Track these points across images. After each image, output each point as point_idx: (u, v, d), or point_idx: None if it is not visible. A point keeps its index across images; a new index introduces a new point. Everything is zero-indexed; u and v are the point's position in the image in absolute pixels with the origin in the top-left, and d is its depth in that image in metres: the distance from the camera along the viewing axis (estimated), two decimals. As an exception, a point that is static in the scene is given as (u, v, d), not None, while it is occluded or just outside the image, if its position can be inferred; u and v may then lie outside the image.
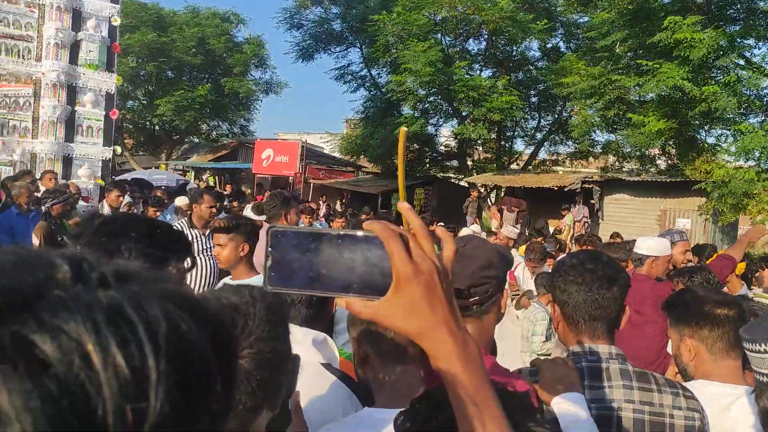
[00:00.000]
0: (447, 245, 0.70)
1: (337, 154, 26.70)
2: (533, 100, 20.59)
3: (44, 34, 8.24)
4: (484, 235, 10.17)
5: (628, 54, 15.58)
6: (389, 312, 0.64)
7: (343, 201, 21.07)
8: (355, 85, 22.99)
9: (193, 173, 25.41)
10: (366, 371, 1.28)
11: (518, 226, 13.57)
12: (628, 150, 18.28)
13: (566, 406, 1.34)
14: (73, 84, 8.38)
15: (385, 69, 21.49)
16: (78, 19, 8.43)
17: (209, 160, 26.06)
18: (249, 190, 23.15)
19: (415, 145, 22.29)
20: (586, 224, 14.67)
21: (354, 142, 23.46)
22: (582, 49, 17.76)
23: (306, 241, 0.66)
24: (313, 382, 1.54)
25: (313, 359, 1.60)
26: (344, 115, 38.58)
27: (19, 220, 6.05)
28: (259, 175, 22.99)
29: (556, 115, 20.84)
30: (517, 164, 21.98)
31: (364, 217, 8.40)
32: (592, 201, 15.41)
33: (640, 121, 14.11)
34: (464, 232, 9.42)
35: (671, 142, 16.02)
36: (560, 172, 21.87)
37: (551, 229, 13.39)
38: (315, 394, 1.53)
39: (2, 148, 8.10)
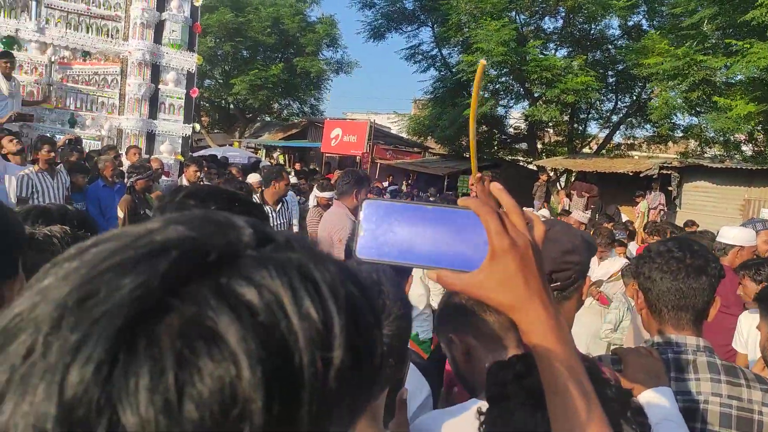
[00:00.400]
0: (537, 225, 0.72)
1: (404, 135, 26.68)
2: (610, 80, 19.72)
3: (131, 14, 8.63)
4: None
5: (717, 33, 14.64)
6: (483, 284, 0.66)
7: (409, 182, 21.07)
8: (425, 65, 22.79)
9: (264, 151, 26.10)
10: (470, 365, 1.27)
11: (588, 212, 13.18)
12: (711, 135, 17.29)
13: (656, 400, 1.30)
14: (157, 63, 8.76)
15: (456, 48, 21.15)
16: (162, -1, 8.79)
17: (280, 139, 26.65)
18: (317, 169, 23.57)
19: (483, 126, 21.92)
20: (662, 212, 14.04)
21: (422, 122, 23.34)
22: (666, 27, 16.83)
23: (399, 213, 0.67)
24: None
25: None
26: (413, 96, 38.47)
27: (105, 191, 6.43)
28: (327, 154, 23.33)
29: (635, 97, 19.91)
30: (590, 148, 21.21)
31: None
32: (670, 188, 14.71)
33: (726, 104, 13.29)
34: (541, 214, 9.29)
35: (759, 128, 15.01)
36: (636, 157, 20.97)
37: (624, 217, 12.89)
38: None
39: (91, 124, 8.60)
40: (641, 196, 13.87)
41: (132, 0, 8.63)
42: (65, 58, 8.47)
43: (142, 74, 8.59)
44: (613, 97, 20.41)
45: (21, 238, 1.01)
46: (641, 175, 14.65)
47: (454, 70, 20.30)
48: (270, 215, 5.43)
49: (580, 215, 8.24)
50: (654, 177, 14.45)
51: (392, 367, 0.99)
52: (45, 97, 8.30)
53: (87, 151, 7.89)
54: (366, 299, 0.38)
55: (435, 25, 21.72)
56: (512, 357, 0.92)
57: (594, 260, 6.19)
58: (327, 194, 6.19)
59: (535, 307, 0.67)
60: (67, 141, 7.37)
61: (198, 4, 9.01)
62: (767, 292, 1.94)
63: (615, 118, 20.66)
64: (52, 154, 5.95)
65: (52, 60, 8.32)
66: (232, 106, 28.92)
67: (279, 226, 5.52)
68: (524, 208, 0.73)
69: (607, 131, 20.99)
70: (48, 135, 7.50)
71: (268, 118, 30.65)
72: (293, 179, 9.29)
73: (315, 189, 6.87)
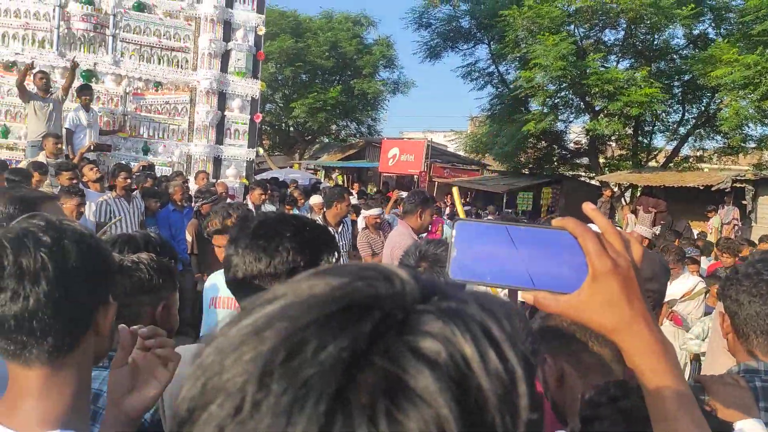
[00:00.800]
0: (634, 246, 0.70)
1: (461, 153, 26.60)
2: (676, 91, 19.01)
3: (199, 45, 9.07)
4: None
5: (792, 38, 13.91)
6: (585, 306, 0.65)
7: (467, 200, 20.91)
8: (482, 82, 22.71)
9: (323, 172, 26.60)
10: (562, 391, 1.22)
11: (657, 228, 12.67)
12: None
13: None
14: (223, 90, 9.14)
15: (513, 65, 21.00)
16: (228, 30, 9.18)
17: (338, 160, 27.10)
18: (375, 189, 23.77)
19: (543, 142, 21.59)
20: (736, 227, 13.33)
21: (479, 140, 23.21)
22: (735, 35, 16.13)
23: (492, 234, 0.68)
24: None
25: None
26: (469, 113, 38.33)
27: (175, 215, 6.72)
28: (385, 174, 23.53)
29: (703, 108, 19.10)
30: (656, 162, 20.43)
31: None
32: (744, 202, 13.97)
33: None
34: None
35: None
36: (706, 170, 20.04)
37: (695, 232, 12.32)
38: None
39: (163, 151, 9.04)
40: (713, 210, 13.25)
41: (200, 32, 9.06)
42: (139, 88, 8.97)
43: (210, 102, 8.98)
44: (680, 108, 19.63)
45: (112, 265, 1.08)
46: (713, 188, 13.99)
47: (511, 86, 20.14)
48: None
49: (643, 230, 7.91)
50: (726, 190, 13.77)
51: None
52: (120, 126, 8.80)
53: (159, 176, 8.28)
54: (528, 348, 0.39)
55: (491, 42, 21.66)
56: (608, 382, 0.90)
57: (665, 279, 5.93)
58: (374, 212, 6.23)
59: (639, 329, 0.65)
60: (141, 168, 7.75)
61: (261, 33, 9.37)
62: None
63: (682, 130, 19.85)
64: (129, 180, 6.29)
65: (127, 91, 8.83)
66: (291, 128, 29.68)
67: (341, 247, 5.59)
68: (618, 229, 0.73)
69: (674, 143, 20.20)
70: (124, 162, 7.95)
71: (326, 140, 31.25)
72: (353, 200, 9.39)
73: (362, 210, 6.88)
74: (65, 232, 0.91)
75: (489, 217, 8.54)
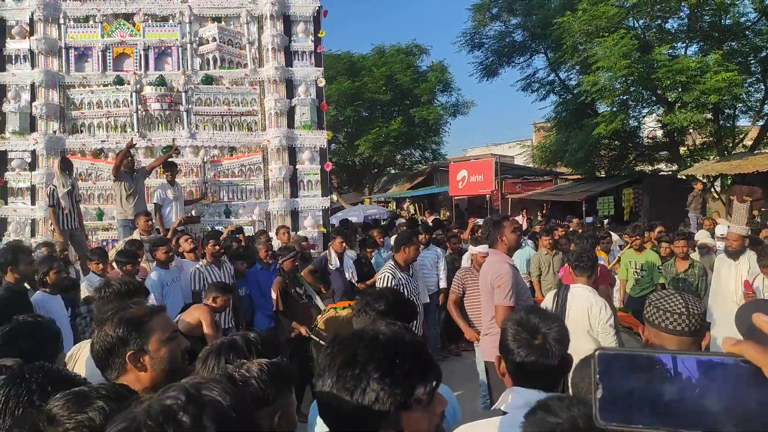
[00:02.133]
0: None
1: (531, 165, 26.07)
2: (755, 69, 17.84)
3: (265, 106, 9.43)
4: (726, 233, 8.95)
5: None
6: None
7: (543, 212, 20.36)
8: (543, 92, 22.32)
9: (394, 203, 26.78)
10: None
11: (758, 218, 11.80)
12: None
13: None
14: (293, 145, 9.42)
15: (574, 70, 20.49)
16: (290, 87, 9.49)
17: (407, 189, 27.23)
18: (448, 213, 23.65)
19: (615, 142, 20.80)
20: None
21: (548, 149, 22.69)
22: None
23: (647, 366, 0.57)
24: None
25: None
26: (532, 120, 37.65)
27: (263, 274, 6.89)
28: (456, 197, 23.39)
29: (787, 81, 17.82)
30: (744, 146, 19.16)
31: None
32: None
33: None
34: (700, 236, 8.43)
35: None
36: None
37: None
38: None
39: (243, 211, 9.39)
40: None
41: (264, 94, 9.43)
42: (215, 156, 9.41)
43: (281, 158, 9.27)
44: (762, 87, 18.41)
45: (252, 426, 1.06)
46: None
47: (575, 92, 19.62)
48: (405, 285, 5.49)
49: (739, 228, 7.08)
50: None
51: None
52: (202, 194, 9.23)
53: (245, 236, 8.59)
54: None
55: (548, 51, 21.29)
56: None
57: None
58: (482, 249, 5.95)
59: None
60: (230, 232, 8.07)
61: (322, 85, 9.63)
62: None
63: (767, 108, 18.59)
64: (218, 247, 6.54)
65: (205, 160, 9.28)
66: (358, 164, 30.18)
67: (411, 293, 5.54)
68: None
69: (761, 122, 18.89)
70: (212, 229, 8.31)
71: (393, 170, 31.53)
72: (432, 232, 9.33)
73: (469, 245, 6.68)
74: (204, 407, 0.92)
75: (572, 229, 8.17)
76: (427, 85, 26.50)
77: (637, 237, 7.55)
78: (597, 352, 0.60)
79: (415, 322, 5.47)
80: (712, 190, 17.34)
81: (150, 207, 8.37)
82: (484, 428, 1.65)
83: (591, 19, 16.18)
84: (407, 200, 26.19)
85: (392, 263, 5.51)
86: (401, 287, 5.42)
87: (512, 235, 4.20)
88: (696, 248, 7.69)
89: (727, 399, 0.54)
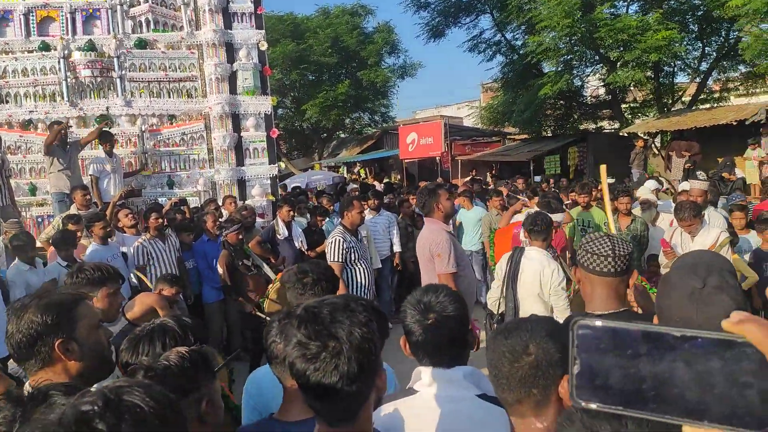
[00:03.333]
0: None
1: (479, 125, 26.22)
2: (692, 27, 18.29)
3: (205, 71, 9.02)
4: (662, 189, 9.23)
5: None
6: None
7: (493, 172, 20.61)
8: (490, 53, 22.27)
9: (344, 168, 26.57)
10: None
11: (701, 173, 12.23)
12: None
13: None
14: (236, 112, 9.09)
15: (519, 30, 20.51)
16: (231, 51, 9.08)
17: (357, 153, 27.01)
18: (399, 176, 23.66)
19: (560, 101, 21.10)
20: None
21: (496, 110, 22.82)
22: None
23: (630, 342, 0.50)
24: (475, 414, 1.64)
25: (467, 394, 1.69)
26: (480, 80, 37.70)
27: (210, 245, 6.72)
28: (406, 161, 23.37)
29: (722, 39, 18.36)
30: (682, 102, 19.77)
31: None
32: (782, 130, 13.41)
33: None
34: (642, 191, 8.66)
35: None
36: (732, 100, 19.30)
37: (739, 172, 11.90)
38: (481, 426, 1.62)
39: (187, 181, 9.07)
40: (755, 144, 12.73)
41: (204, 58, 9.02)
42: (153, 125, 8.99)
43: (225, 126, 8.95)
44: (699, 45, 18.92)
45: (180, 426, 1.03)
46: (747, 122, 13.48)
47: (521, 52, 19.68)
48: (355, 249, 5.46)
49: (699, 183, 7.20)
50: (762, 122, 13.25)
51: None
52: (142, 165, 8.85)
53: (190, 207, 8.32)
54: None
55: (494, 11, 21.18)
56: None
57: (686, 239, 5.47)
58: (557, 218, 5.37)
59: None
60: (173, 204, 7.79)
61: (264, 48, 9.27)
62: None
63: (704, 65, 19.17)
64: (160, 220, 6.31)
65: (143, 129, 8.86)
66: (306, 129, 29.68)
67: (360, 257, 5.52)
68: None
69: (698, 80, 19.50)
70: (154, 201, 8.00)
71: (342, 135, 31.18)
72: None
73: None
74: (123, 415, 0.84)
75: (522, 196, 8.24)
76: (374, 47, 26.07)
77: (586, 194, 7.69)
78: (576, 323, 0.52)
79: (366, 285, 5.50)
80: (653, 146, 17.86)
81: (87, 180, 7.97)
82: (394, 407, 1.68)
83: (535, -22, 16.16)
84: (358, 164, 26.02)
85: (342, 228, 5.51)
86: (351, 251, 5.41)
87: (447, 202, 4.25)
88: (639, 204, 7.90)
89: (722, 385, 0.47)
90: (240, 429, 1.75)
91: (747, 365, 0.46)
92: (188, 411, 1.50)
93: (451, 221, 8.45)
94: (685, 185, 8.19)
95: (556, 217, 5.26)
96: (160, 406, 0.90)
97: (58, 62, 8.53)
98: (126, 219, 6.50)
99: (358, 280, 5.45)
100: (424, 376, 1.74)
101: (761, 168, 12.36)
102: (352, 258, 5.43)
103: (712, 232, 5.24)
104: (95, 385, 0.92)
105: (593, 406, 0.51)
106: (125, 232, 6.51)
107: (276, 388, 1.90)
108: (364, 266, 5.57)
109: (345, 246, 5.33)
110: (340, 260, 5.33)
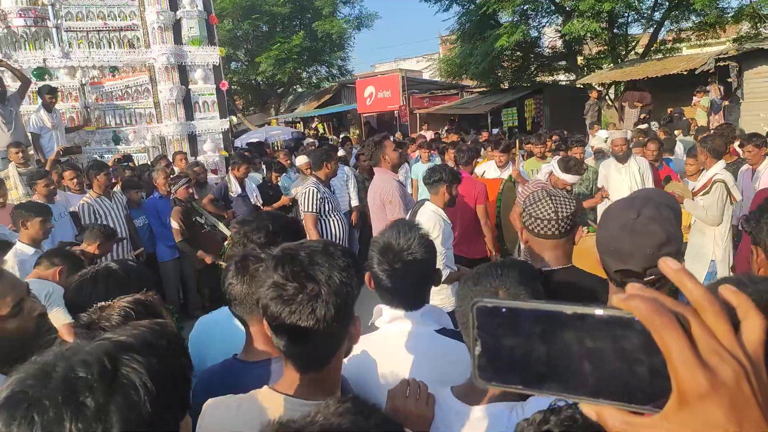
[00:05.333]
0: (750, 319, 0.45)
1: (438, 78, 26.00)
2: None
3: (147, 19, 8.56)
4: (609, 140, 9.36)
5: None
6: None
7: (452, 126, 20.56)
8: (446, 2, 21.88)
9: (302, 123, 26.09)
10: None
11: (654, 123, 12.47)
12: (766, 12, 15.93)
13: None
14: (182, 63, 8.70)
15: (476, -22, 20.17)
16: (174, -2, 8.65)
17: (315, 108, 26.52)
18: (358, 131, 23.41)
19: (517, 53, 21.05)
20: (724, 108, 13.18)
21: (453, 62, 22.61)
22: None
23: (527, 321, 0.50)
24: (434, 348, 1.68)
25: (427, 330, 1.73)
26: (438, 33, 37.17)
27: (162, 202, 6.53)
28: (365, 115, 23.10)
29: (675, -13, 18.52)
30: (636, 53, 20.00)
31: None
32: (729, 79, 13.75)
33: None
34: (595, 141, 8.79)
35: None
36: (684, 51, 19.63)
37: (687, 121, 12.19)
38: (441, 360, 1.66)
39: (134, 137, 8.72)
40: (701, 92, 13.05)
41: (145, 5, 8.55)
42: (95, 77, 8.55)
43: (171, 78, 8.57)
44: (652, -7, 19.04)
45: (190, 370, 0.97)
46: (696, 72, 13.74)
47: (477, 2, 19.41)
48: (328, 200, 5.38)
49: (620, 133, 7.33)
50: (711, 71, 13.53)
51: None
52: (85, 120, 8.44)
53: (137, 164, 8.04)
54: None
55: (450, -42, 20.74)
56: None
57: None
58: (569, 179, 5.33)
59: None
60: (116, 160, 7.50)
61: (209, -6, 8.86)
62: None
63: (657, 15, 19.33)
64: (105, 177, 6.06)
65: (83, 82, 8.41)
66: (261, 83, 28.91)
67: (334, 209, 5.45)
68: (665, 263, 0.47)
69: (650, 30, 19.70)
70: (97, 158, 7.67)
71: (299, 89, 30.51)
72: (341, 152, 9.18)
73: (553, 162, 5.82)
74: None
75: (483, 152, 8.21)
76: (329, -5, 25.31)
77: (542, 145, 7.77)
78: (475, 306, 0.52)
79: (341, 237, 5.46)
80: (607, 98, 18.08)
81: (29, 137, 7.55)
82: (361, 344, 1.67)
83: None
84: (315, 119, 25.58)
85: (315, 179, 5.37)
86: (325, 202, 5.33)
87: (393, 153, 4.41)
88: (593, 153, 8.02)
89: (614, 362, 0.46)
90: (206, 370, 1.72)
91: (636, 341, 0.46)
92: None
93: (409, 178, 8.53)
94: (603, 134, 8.42)
95: (567, 178, 5.24)
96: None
97: (-13, 10, 7.96)
98: (69, 177, 6.22)
99: (332, 231, 5.39)
100: (385, 314, 1.78)
101: (709, 116, 12.69)
102: (326, 209, 5.34)
103: (704, 175, 5.20)
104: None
105: (497, 385, 0.52)
106: (69, 191, 6.25)
107: (220, 334, 1.92)
108: (338, 217, 5.51)
109: (319, 196, 5.24)
110: (314, 211, 5.20)
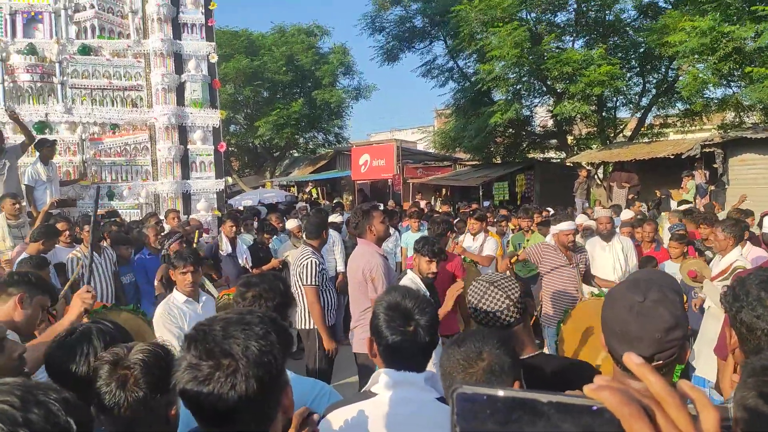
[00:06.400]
0: (706, 412, 0.51)
1: (432, 150, 26.58)
2: (634, 64, 19.21)
3: (152, 81, 8.83)
4: (593, 219, 9.54)
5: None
6: None
7: (444, 196, 20.84)
8: (442, 78, 22.74)
9: (296, 187, 26.35)
10: None
11: (643, 205, 12.72)
12: (749, 103, 16.60)
13: None
14: (183, 124, 8.90)
15: (471, 58, 21.03)
16: (179, 62, 8.95)
17: (310, 172, 26.87)
18: (351, 197, 23.63)
19: (510, 130, 21.67)
20: (709, 192, 13.50)
21: (447, 135, 23.21)
22: (684, 2, 16.35)
23: (504, 410, 0.52)
24: (436, 417, 1.64)
25: (429, 397, 1.70)
26: (434, 106, 38.43)
27: (151, 260, 6.47)
28: (358, 182, 23.39)
29: (662, 76, 19.35)
30: (624, 135, 20.65)
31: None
32: (715, 165, 14.15)
33: (761, 73, 12.74)
34: (580, 219, 8.91)
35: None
36: (671, 136, 20.27)
37: (673, 204, 12.42)
38: (441, 430, 1.56)
39: (128, 193, 8.77)
40: (689, 176, 13.39)
41: (151, 68, 8.81)
42: (95, 133, 8.69)
43: (170, 137, 8.74)
44: (640, 81, 19.87)
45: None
46: (683, 156, 14.15)
47: (472, 80, 20.14)
48: (322, 265, 5.30)
49: (604, 211, 7.53)
50: (697, 156, 13.94)
51: None
52: (81, 174, 8.51)
53: (128, 221, 8.03)
54: None
55: (447, 38, 21.67)
56: None
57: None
58: (565, 226, 5.39)
59: None
60: (102, 215, 7.49)
61: (214, 60, 9.15)
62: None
63: (645, 101, 20.10)
64: (96, 231, 6.03)
65: (83, 137, 8.54)
66: (259, 147, 29.38)
67: (327, 278, 5.38)
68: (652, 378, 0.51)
69: (638, 115, 20.43)
70: (89, 213, 7.66)
71: (295, 154, 31.00)
72: (333, 218, 9.22)
73: (551, 225, 5.88)
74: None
75: (468, 233, 8.25)
76: (329, 67, 26.17)
77: (528, 219, 7.86)
78: (455, 392, 0.54)
79: (334, 306, 5.35)
80: (596, 177, 18.51)
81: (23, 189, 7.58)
82: (354, 410, 1.66)
83: (487, 9, 16.64)
84: (310, 184, 25.85)
85: (311, 248, 5.17)
86: (324, 273, 5.17)
87: (381, 225, 4.20)
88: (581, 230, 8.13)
89: None
90: None
91: (606, 429, 0.49)
92: (158, 410, 1.45)
93: (399, 246, 8.56)
94: (597, 212, 8.58)
95: (564, 226, 5.31)
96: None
97: (-5, 64, 8.18)
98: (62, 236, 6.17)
99: (327, 301, 5.20)
100: (384, 379, 1.72)
101: (695, 200, 12.97)
102: (324, 280, 5.09)
103: (726, 257, 5.04)
104: None
105: None
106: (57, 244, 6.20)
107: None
108: (331, 287, 5.42)
109: (319, 268, 4.97)
110: (317, 284, 4.89)
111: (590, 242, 6.56)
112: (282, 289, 2.31)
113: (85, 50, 8.57)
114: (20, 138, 8.11)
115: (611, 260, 6.09)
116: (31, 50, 8.30)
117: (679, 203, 10.17)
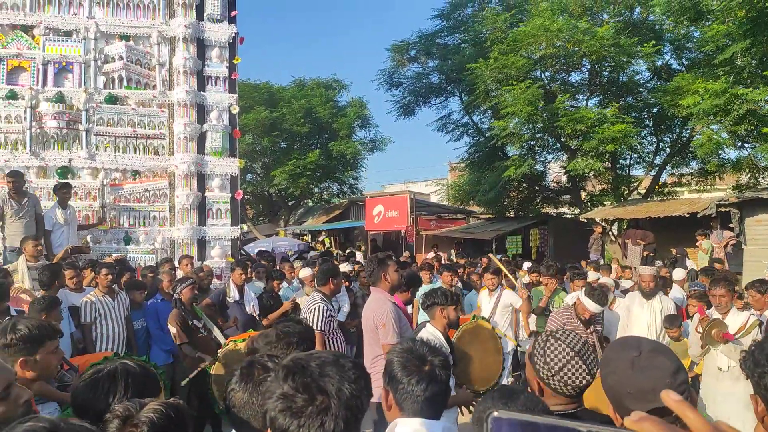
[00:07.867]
0: None
1: (445, 202, 26.71)
2: (647, 123, 19.41)
3: (174, 130, 9.06)
4: (612, 278, 9.45)
5: (752, 62, 14.31)
6: None
7: (458, 249, 20.80)
8: (457, 133, 23.10)
9: (309, 236, 26.48)
10: None
11: (658, 263, 12.59)
12: (765, 164, 16.59)
13: None
14: (202, 172, 9.08)
15: (486, 114, 21.41)
16: (202, 112, 9.21)
17: (323, 222, 27.04)
18: (364, 247, 23.66)
19: (524, 184, 21.78)
20: (730, 246, 13.32)
21: (461, 188, 23.37)
22: (697, 65, 16.64)
23: None
24: None
25: None
26: (448, 159, 38.91)
27: (164, 305, 6.49)
28: (371, 232, 23.46)
29: (676, 136, 19.48)
30: (638, 193, 20.64)
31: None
32: (731, 225, 14.03)
33: (775, 135, 12.81)
34: (592, 277, 8.84)
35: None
36: (685, 194, 20.22)
37: (690, 263, 12.30)
38: None
39: (145, 239, 8.87)
40: (703, 235, 13.26)
41: (174, 117, 9.07)
42: (116, 179, 8.87)
43: (189, 185, 8.90)
44: (654, 139, 20.01)
45: None
46: (698, 215, 14.07)
47: (487, 135, 20.42)
48: (331, 312, 5.29)
49: (649, 269, 7.46)
50: (712, 216, 13.85)
51: None
52: (99, 219, 8.64)
53: (142, 266, 8.08)
54: None
55: (463, 95, 22.12)
56: None
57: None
58: (594, 308, 5.45)
59: None
60: (111, 262, 7.53)
61: (235, 112, 9.40)
62: None
63: (659, 159, 20.18)
64: (110, 276, 6.09)
65: (104, 183, 8.72)
66: (274, 196, 29.72)
67: (337, 326, 5.38)
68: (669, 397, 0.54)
69: (652, 173, 20.47)
70: (106, 258, 7.74)
71: (310, 203, 31.29)
72: (343, 267, 9.23)
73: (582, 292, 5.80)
74: None
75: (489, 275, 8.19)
76: (346, 119, 26.73)
77: (552, 276, 7.74)
78: (490, 416, 0.55)
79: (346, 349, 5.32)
80: (610, 233, 18.41)
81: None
82: None
83: (502, 67, 17.03)
84: (323, 233, 25.98)
85: (321, 294, 5.24)
86: (331, 320, 5.18)
87: (395, 274, 4.23)
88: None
89: None
90: None
91: None
92: None
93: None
94: (641, 269, 8.44)
95: (590, 306, 5.28)
96: None
97: (24, 111, 8.46)
98: (70, 282, 6.21)
99: (335, 348, 5.18)
100: (404, 428, 1.68)
101: (711, 259, 12.80)
102: (332, 327, 5.14)
103: (741, 315, 5.08)
104: None
105: None
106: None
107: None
108: (339, 335, 5.39)
109: (327, 314, 5.03)
110: (322, 329, 4.94)
111: (630, 296, 6.49)
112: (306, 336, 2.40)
113: (112, 99, 8.87)
114: (43, 183, 8.32)
115: (647, 318, 5.97)
116: (60, 98, 8.60)
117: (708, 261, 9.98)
